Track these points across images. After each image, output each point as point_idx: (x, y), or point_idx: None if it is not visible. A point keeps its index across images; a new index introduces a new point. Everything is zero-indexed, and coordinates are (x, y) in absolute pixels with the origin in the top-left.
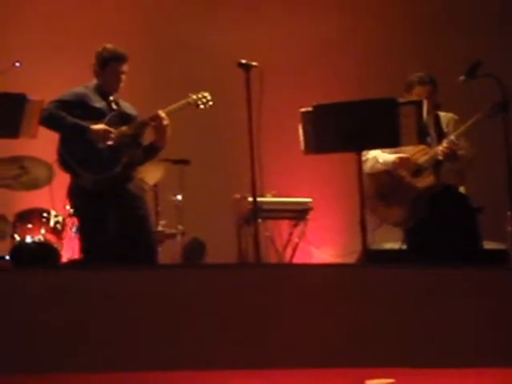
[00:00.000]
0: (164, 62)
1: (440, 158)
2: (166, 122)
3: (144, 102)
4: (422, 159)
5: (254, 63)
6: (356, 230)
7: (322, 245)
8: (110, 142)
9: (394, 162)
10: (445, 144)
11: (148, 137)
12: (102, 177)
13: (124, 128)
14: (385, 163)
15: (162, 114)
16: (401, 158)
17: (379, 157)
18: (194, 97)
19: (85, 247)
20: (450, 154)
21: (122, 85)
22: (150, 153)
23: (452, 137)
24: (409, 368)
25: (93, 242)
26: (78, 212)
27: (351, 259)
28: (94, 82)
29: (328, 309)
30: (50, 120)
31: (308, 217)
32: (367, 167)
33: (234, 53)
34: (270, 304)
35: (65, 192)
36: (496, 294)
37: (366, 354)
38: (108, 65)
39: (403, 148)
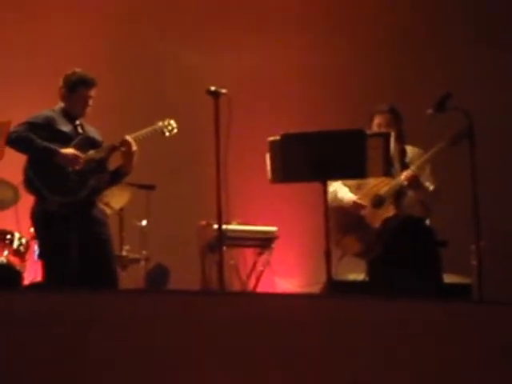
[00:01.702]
0: (134, 85)
1: (405, 183)
2: (134, 148)
3: (112, 124)
4: (383, 190)
5: (223, 90)
6: (321, 261)
7: (286, 274)
8: (77, 167)
9: (348, 204)
10: (408, 172)
11: (113, 162)
12: (68, 200)
13: (92, 152)
14: (342, 200)
15: (130, 139)
16: (355, 203)
17: (338, 191)
18: (161, 124)
19: (46, 270)
20: (414, 181)
21: (89, 110)
22: (116, 178)
23: (413, 167)
24: None
25: (54, 265)
26: (40, 234)
27: (315, 289)
28: (61, 105)
29: (291, 338)
30: (19, 142)
31: (273, 246)
32: (328, 200)
33: (205, 78)
34: (232, 332)
35: (29, 214)
36: (459, 327)
37: None
38: (76, 89)
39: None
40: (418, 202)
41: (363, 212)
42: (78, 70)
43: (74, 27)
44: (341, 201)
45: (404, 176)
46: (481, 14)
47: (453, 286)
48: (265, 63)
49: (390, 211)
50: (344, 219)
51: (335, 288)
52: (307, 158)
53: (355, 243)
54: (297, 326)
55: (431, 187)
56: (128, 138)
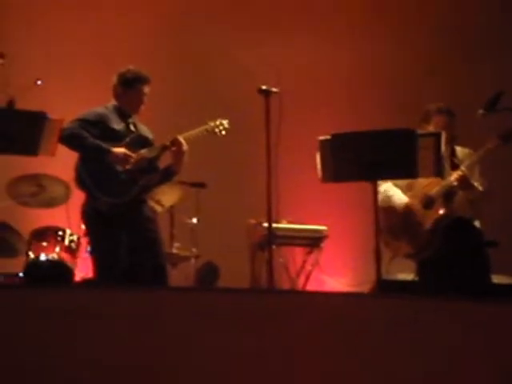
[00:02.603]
0: (186, 83)
1: (454, 183)
2: (185, 148)
3: (164, 122)
4: (434, 190)
5: (274, 89)
6: (370, 260)
7: (335, 273)
8: (128, 166)
9: (399, 206)
10: (457, 172)
11: (163, 160)
12: (119, 200)
13: (143, 151)
14: (394, 203)
15: (181, 139)
16: (407, 207)
17: (389, 191)
18: (212, 124)
19: (97, 267)
20: (464, 181)
21: (143, 107)
22: (166, 177)
23: (463, 167)
24: None
25: (104, 262)
26: (90, 232)
27: (365, 289)
28: (113, 102)
29: (340, 337)
30: (71, 139)
31: (322, 245)
32: (378, 200)
33: (257, 77)
34: (281, 331)
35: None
36: (507, 328)
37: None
38: (132, 86)
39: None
40: (467, 202)
41: (414, 216)
42: (131, 67)
43: (127, 24)
44: (392, 202)
45: (454, 176)
46: None
47: (502, 287)
48: (316, 62)
49: (440, 211)
50: (394, 220)
51: (385, 287)
52: (357, 158)
53: (406, 245)
54: (346, 324)
55: (480, 188)
56: (179, 137)
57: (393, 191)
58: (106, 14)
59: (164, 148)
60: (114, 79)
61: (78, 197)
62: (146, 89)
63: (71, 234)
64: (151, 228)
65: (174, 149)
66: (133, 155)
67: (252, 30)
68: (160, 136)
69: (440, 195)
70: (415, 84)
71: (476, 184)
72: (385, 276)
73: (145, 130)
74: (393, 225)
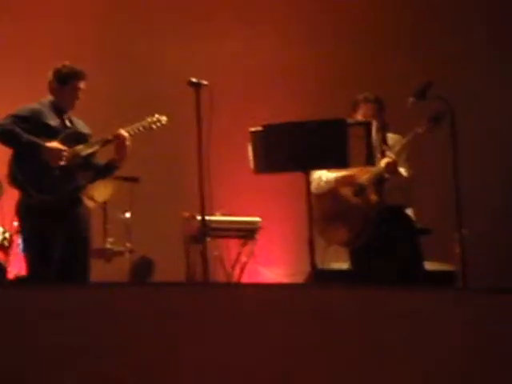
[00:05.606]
0: (119, 80)
1: (383, 170)
2: (128, 142)
3: (97, 119)
4: (363, 178)
5: (205, 82)
6: (305, 250)
7: (270, 264)
8: (62, 162)
9: (336, 180)
10: (387, 158)
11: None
12: (52, 197)
13: (78, 147)
14: (328, 182)
15: (124, 133)
16: (343, 176)
17: (323, 176)
18: (149, 120)
19: (29, 265)
20: (392, 167)
21: (77, 102)
22: (107, 171)
23: (391, 154)
24: None
25: (37, 259)
26: (24, 229)
27: (300, 279)
28: (49, 98)
29: (276, 328)
30: (4, 135)
31: (257, 236)
32: (312, 187)
33: (186, 70)
34: (217, 323)
35: (14, 208)
36: (442, 315)
37: (312, 377)
38: (67, 82)
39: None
40: (397, 188)
41: (347, 201)
42: (67, 63)
43: (61, 25)
44: (328, 183)
45: (383, 162)
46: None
47: (436, 274)
48: (247, 54)
49: (371, 199)
50: (328, 209)
51: (319, 277)
52: (289, 148)
53: (340, 232)
54: (281, 315)
55: (405, 174)
56: (122, 131)
57: (325, 175)
58: (41, 13)
59: (106, 142)
60: (50, 75)
61: (11, 194)
62: (82, 84)
63: (4, 232)
64: (83, 227)
65: (116, 142)
66: (67, 150)
67: (182, 24)
68: (95, 133)
69: (370, 182)
70: (346, 73)
71: (401, 170)
72: (320, 265)
73: (81, 126)
74: (327, 210)
